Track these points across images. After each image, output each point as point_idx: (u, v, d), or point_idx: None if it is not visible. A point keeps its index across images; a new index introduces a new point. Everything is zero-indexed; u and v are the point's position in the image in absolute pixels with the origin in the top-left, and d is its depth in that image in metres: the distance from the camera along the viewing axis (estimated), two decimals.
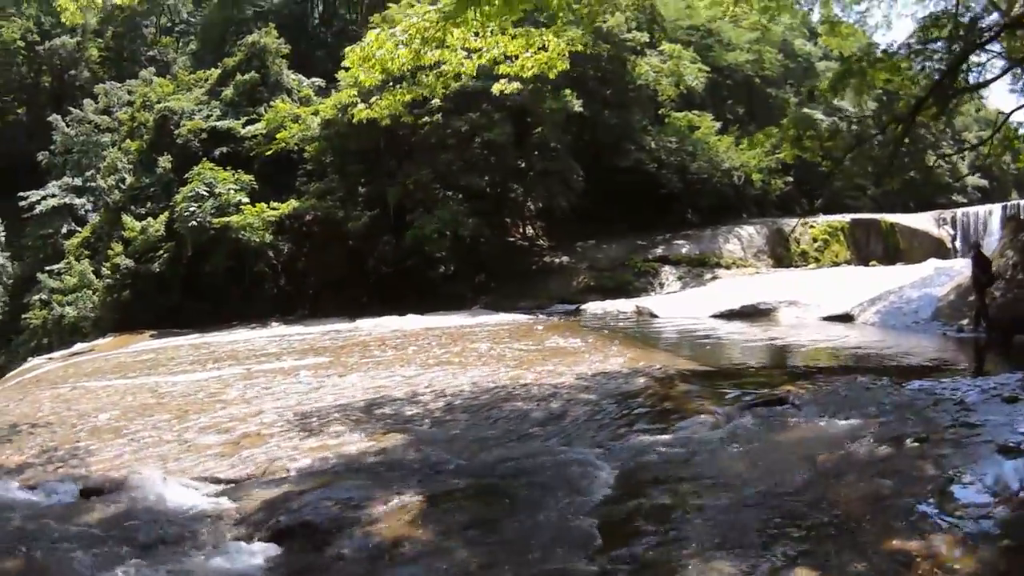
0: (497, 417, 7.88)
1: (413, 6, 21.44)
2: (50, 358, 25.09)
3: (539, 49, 8.79)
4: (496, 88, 9.59)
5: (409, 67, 9.02)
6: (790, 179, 31.40)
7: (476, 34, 8.48)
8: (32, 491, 6.83)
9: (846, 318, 15.78)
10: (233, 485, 6.48)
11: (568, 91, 25.17)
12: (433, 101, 23.72)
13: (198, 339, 22.48)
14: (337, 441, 7.48)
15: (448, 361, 12.67)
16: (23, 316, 34.43)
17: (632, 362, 10.79)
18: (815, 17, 16.22)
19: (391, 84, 11.53)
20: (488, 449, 6.56)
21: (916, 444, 5.53)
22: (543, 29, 8.97)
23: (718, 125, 30.72)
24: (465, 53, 8.80)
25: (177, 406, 10.76)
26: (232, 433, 8.49)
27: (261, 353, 17.06)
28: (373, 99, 10.97)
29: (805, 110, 28.70)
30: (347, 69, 11.00)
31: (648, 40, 29.72)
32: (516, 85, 9.37)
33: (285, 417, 8.89)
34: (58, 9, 9.88)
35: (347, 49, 9.56)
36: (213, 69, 33.78)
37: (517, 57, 8.73)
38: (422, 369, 11.92)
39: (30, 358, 28.32)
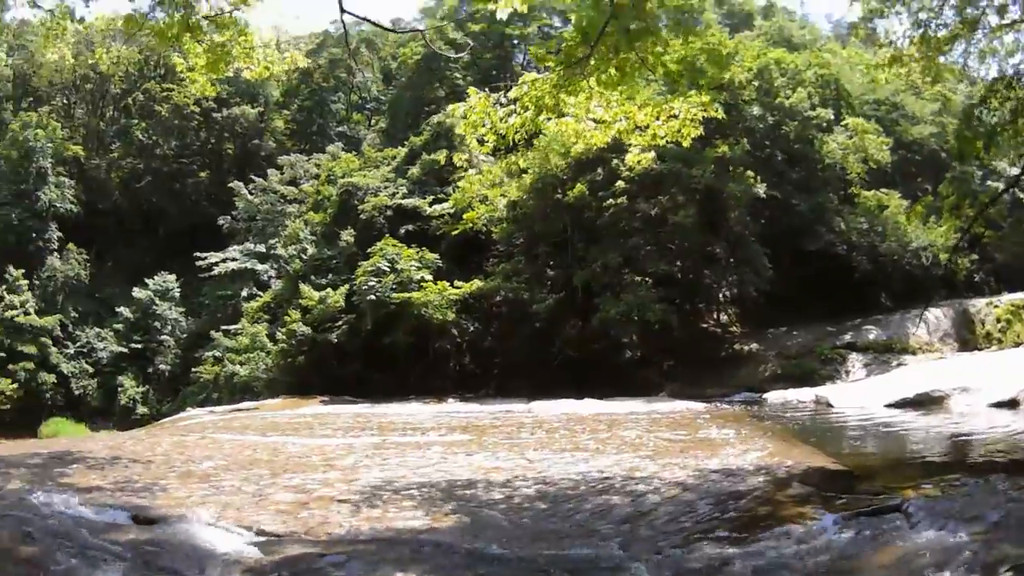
0: (579, 510, 8.83)
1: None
2: (212, 411, 30.68)
3: (670, 117, 9.80)
4: (630, 160, 11.70)
5: (523, 136, 10.12)
6: (975, 257, 33.67)
7: (600, 106, 9.68)
8: (88, 509, 8.77)
9: (1012, 404, 16.88)
10: (272, 538, 7.99)
11: (750, 173, 28.83)
12: (618, 184, 28.22)
13: (366, 408, 26.67)
14: (396, 515, 8.85)
15: (583, 447, 14.49)
16: (193, 370, 41.98)
17: (767, 457, 11.81)
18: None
19: (503, 152, 13.89)
20: (540, 543, 7.32)
21: (1009, 573, 5.56)
22: (668, 96, 10.01)
23: (906, 203, 33.24)
24: (592, 124, 10.02)
25: (283, 464, 13.16)
26: (309, 494, 10.23)
27: (412, 427, 20.28)
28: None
29: (965, 170, 30.53)
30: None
31: (833, 117, 33.02)
32: (650, 156, 11.05)
33: (368, 487, 10.62)
34: (189, 81, 12.28)
35: (451, 107, 11.24)
36: (401, 147, 40.37)
37: (648, 127, 9.86)
38: (550, 454, 13.65)
39: (188, 408, 35.27)
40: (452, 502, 9.51)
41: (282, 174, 49.78)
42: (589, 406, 23.46)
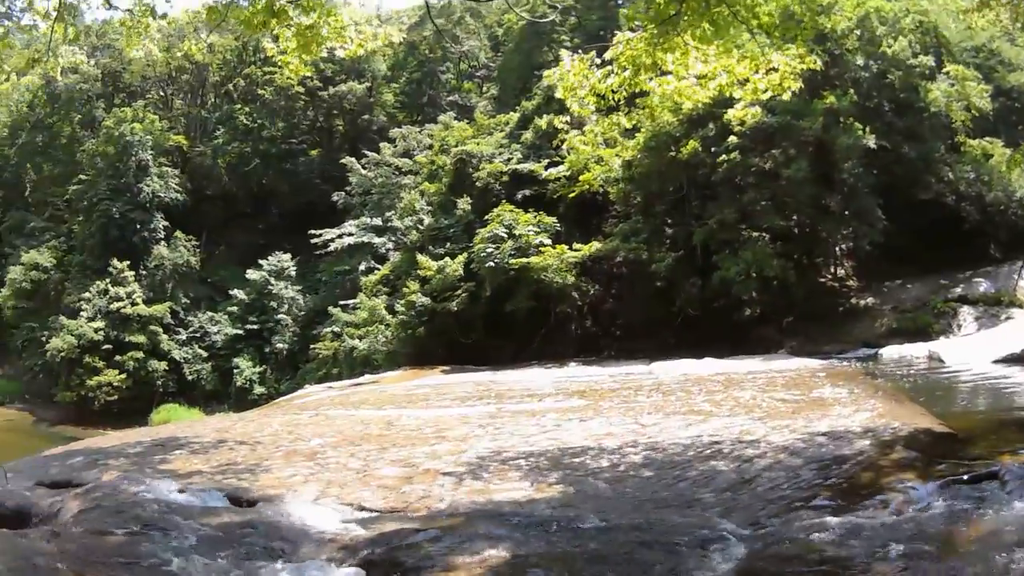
0: (683, 478, 9.65)
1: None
2: (330, 386, 33.84)
3: (769, 70, 10.48)
4: (735, 115, 12.57)
5: (624, 96, 10.92)
6: None
7: (700, 61, 10.38)
8: (184, 493, 9.77)
9: None
10: (373, 514, 8.88)
11: (858, 124, 31.49)
12: (730, 139, 30.95)
13: (486, 376, 29.04)
14: (498, 487, 9.75)
15: (698, 410, 15.63)
16: (312, 346, 47.59)
17: (875, 418, 12.53)
18: None
19: (604, 112, 16.31)
20: (639, 512, 8.03)
21: None
22: (766, 48, 10.53)
23: (1008, 152, 35.03)
24: (694, 80, 10.71)
25: (392, 438, 14.48)
26: (414, 468, 11.24)
27: (530, 393, 22.12)
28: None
29: None
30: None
31: (934, 64, 35.53)
32: (755, 111, 12.04)
33: (476, 458, 11.71)
34: (283, 63, 13.10)
35: (546, 73, 12.60)
36: (512, 113, 44.94)
37: (748, 81, 10.60)
38: (663, 417, 14.88)
39: (307, 385, 39.18)
40: (559, 471, 10.52)
41: (395, 147, 55.11)
42: (708, 366, 25.77)
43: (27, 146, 76.16)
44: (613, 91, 10.84)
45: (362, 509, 9.40)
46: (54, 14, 16.17)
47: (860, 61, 34.17)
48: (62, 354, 53.30)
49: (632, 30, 10.66)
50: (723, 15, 9.61)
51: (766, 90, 10.70)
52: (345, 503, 9.70)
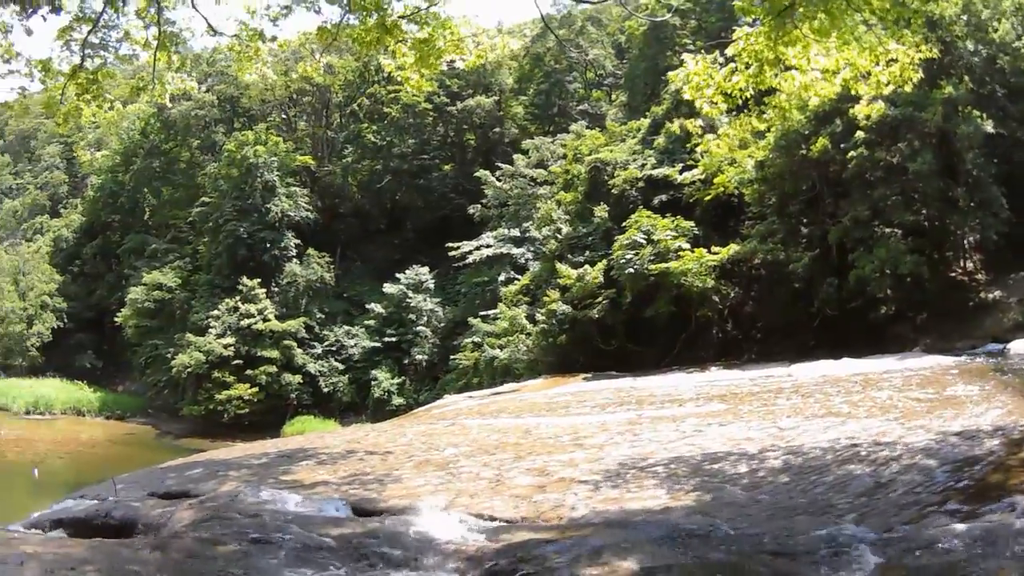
0: (818, 483, 10.44)
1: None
2: (469, 396, 37.33)
3: (889, 62, 11.38)
4: (861, 111, 14.34)
5: (751, 94, 11.92)
6: None
7: (821, 55, 11.29)
8: (307, 504, 10.91)
9: None
10: (503, 524, 9.82)
11: (976, 112, 34.00)
12: (857, 134, 33.87)
13: (627, 383, 31.87)
14: (633, 495, 10.64)
15: (836, 412, 17.13)
16: (452, 357, 54.53)
17: (1005, 416, 13.59)
18: None
19: (734, 112, 17.51)
20: (773, 520, 8.77)
21: None
22: (881, 38, 11.38)
23: None
24: (819, 75, 11.60)
25: (528, 447, 15.82)
26: (548, 477, 12.34)
27: (671, 399, 24.16)
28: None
29: None
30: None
31: None
32: (879, 105, 13.27)
33: (613, 466, 12.74)
34: (402, 79, 14.48)
35: (671, 75, 13.52)
36: (643, 118, 50.91)
37: (870, 74, 11.55)
38: (802, 421, 16.23)
39: (446, 395, 44.14)
40: (696, 478, 11.53)
41: (528, 158, 62.28)
42: (845, 366, 28.09)
43: (144, 172, 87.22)
44: (740, 89, 11.88)
45: (492, 519, 10.37)
46: (155, 43, 17.40)
47: (970, 47, 36.43)
48: (189, 370, 62.04)
49: (750, 24, 12.12)
50: (837, 3, 10.50)
51: (888, 82, 11.83)
52: (474, 513, 10.64)
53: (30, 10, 15.98)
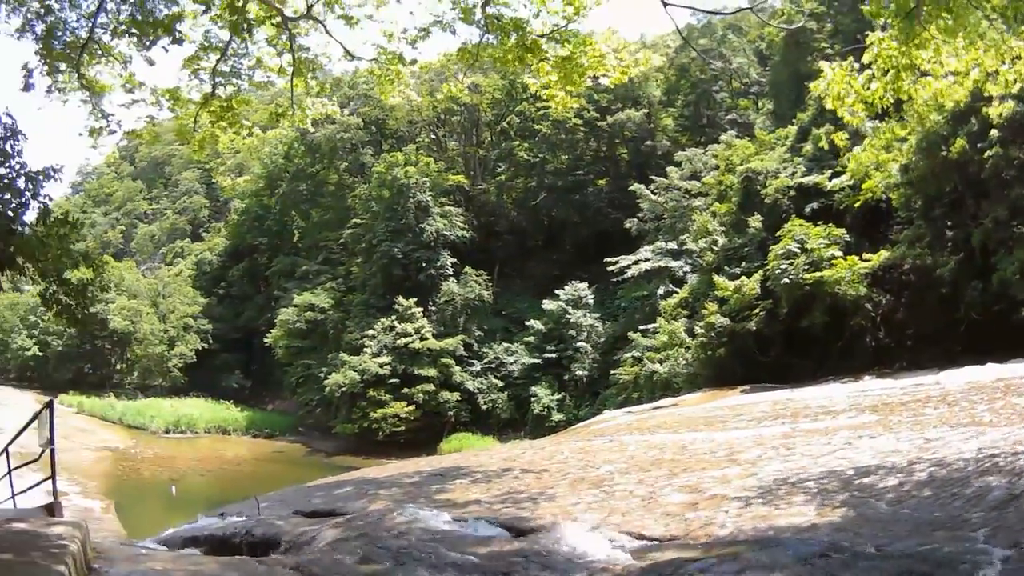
0: (959, 496, 11.26)
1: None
2: (629, 411, 40.82)
3: (1014, 59, 12.25)
4: (995, 111, 17.20)
5: (890, 100, 12.87)
6: None
7: (952, 56, 12.24)
8: (457, 523, 12.10)
9: None
10: (650, 543, 10.84)
11: None
12: (991, 132, 35.79)
13: (784, 395, 34.06)
14: (782, 512, 11.60)
15: (979, 420, 17.82)
16: (612, 372, 59.62)
17: None
18: None
19: (877, 118, 19.36)
20: (915, 536, 9.60)
21: None
22: (1004, 36, 12.15)
23: None
24: (951, 78, 12.56)
25: (684, 463, 16.95)
26: (701, 494, 13.36)
27: (825, 410, 25.38)
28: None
29: None
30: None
31: None
32: (1008, 104, 16.63)
33: (765, 481, 13.78)
34: (548, 97, 16.01)
35: (812, 86, 14.79)
36: (790, 126, 55.43)
37: (997, 72, 12.47)
38: (948, 431, 16.95)
39: (605, 411, 48.37)
40: (844, 493, 12.24)
41: (681, 170, 68.81)
42: (990, 372, 29.56)
43: (290, 195, 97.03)
44: (880, 97, 12.69)
45: (641, 537, 11.16)
46: (290, 69, 18.73)
47: None
48: (343, 389, 69.25)
49: (882, 28, 12.61)
50: (959, 1, 11.12)
51: (1015, 80, 12.58)
52: (624, 531, 11.45)
53: (148, 41, 17.78)
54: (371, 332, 72.40)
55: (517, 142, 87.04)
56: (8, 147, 12.05)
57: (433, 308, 74.31)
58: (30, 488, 15.44)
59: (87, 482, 50.74)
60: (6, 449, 15.48)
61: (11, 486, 15.39)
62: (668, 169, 69.53)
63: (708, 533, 10.94)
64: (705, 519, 11.74)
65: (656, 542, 10.93)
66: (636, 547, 10.67)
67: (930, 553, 8.70)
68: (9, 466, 15.34)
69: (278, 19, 17.83)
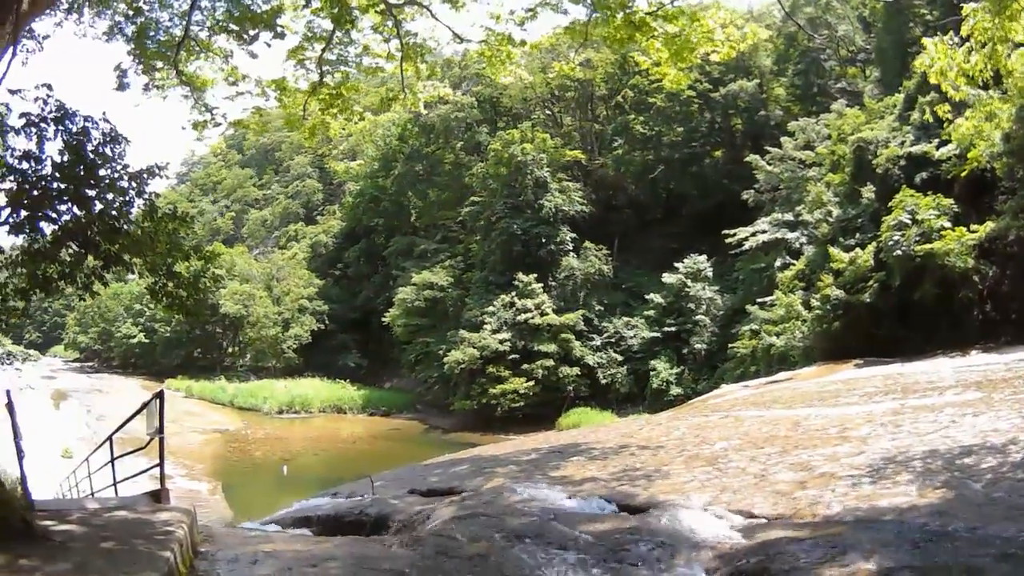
0: None
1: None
2: (745, 385, 42.99)
3: None
4: None
5: (989, 74, 13.75)
6: None
7: None
8: (572, 500, 12.93)
9: None
10: (760, 521, 11.62)
11: None
12: None
13: (895, 369, 35.68)
14: (886, 492, 12.33)
15: None
16: (730, 346, 63.14)
17: None
18: None
19: (981, 90, 20.20)
20: (1009, 519, 10.01)
21: None
22: None
23: None
24: None
25: (796, 440, 17.75)
26: (811, 472, 14.22)
27: (933, 386, 26.47)
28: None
29: None
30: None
31: None
32: None
33: (873, 459, 14.66)
34: (659, 75, 16.66)
35: (916, 63, 16.24)
36: (897, 93, 58.55)
37: None
38: None
39: (723, 384, 50.86)
40: (946, 473, 13.04)
41: (795, 140, 72.08)
42: None
43: (406, 175, 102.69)
44: (980, 70, 13.48)
45: (750, 516, 12.00)
46: (399, 55, 19.11)
47: None
48: (462, 366, 73.67)
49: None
50: None
51: None
52: (734, 510, 12.29)
53: (248, 35, 18.47)
54: (491, 309, 76.30)
55: (632, 116, 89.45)
56: (108, 151, 12.43)
57: (553, 283, 77.97)
58: (137, 475, 16.51)
59: (194, 464, 54.77)
60: (110, 438, 16.71)
61: (113, 474, 16.51)
62: (782, 139, 72.61)
63: (814, 512, 11.74)
64: (813, 498, 12.49)
65: (764, 520, 11.76)
66: (744, 525, 11.54)
67: (1021, 537, 9.32)
68: (112, 454, 16.45)
69: (382, 6, 18.44)
